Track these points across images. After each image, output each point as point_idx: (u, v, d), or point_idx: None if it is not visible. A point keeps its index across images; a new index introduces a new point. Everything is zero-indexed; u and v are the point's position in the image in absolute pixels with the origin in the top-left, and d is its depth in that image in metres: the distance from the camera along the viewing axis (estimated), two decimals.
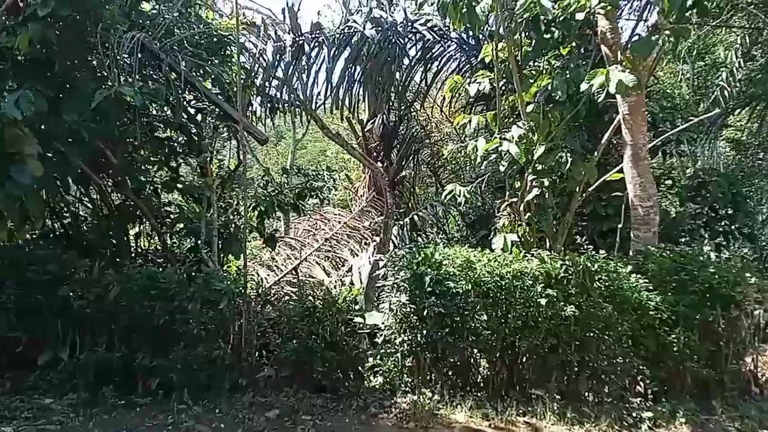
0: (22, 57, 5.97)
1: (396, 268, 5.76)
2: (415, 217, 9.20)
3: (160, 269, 6.67)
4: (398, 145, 10.57)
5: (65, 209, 7.84)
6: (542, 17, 5.73)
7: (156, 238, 8.00)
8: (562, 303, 5.18)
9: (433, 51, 9.18)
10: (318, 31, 8.45)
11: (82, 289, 5.57)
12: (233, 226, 7.86)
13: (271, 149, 14.01)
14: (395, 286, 5.72)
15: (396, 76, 9.26)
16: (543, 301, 5.14)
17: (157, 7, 7.21)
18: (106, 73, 6.39)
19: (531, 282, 5.22)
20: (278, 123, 10.62)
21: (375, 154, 10.07)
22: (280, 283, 8.69)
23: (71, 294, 5.55)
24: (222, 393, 5.55)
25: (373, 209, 9.89)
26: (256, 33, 8.18)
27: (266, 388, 5.71)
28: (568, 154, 5.86)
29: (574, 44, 6.24)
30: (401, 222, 9.07)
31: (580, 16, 5.59)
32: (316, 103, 8.93)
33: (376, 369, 5.92)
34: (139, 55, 6.29)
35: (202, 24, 7.35)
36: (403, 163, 10.56)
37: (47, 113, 5.63)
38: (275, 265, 9.39)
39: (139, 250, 7.94)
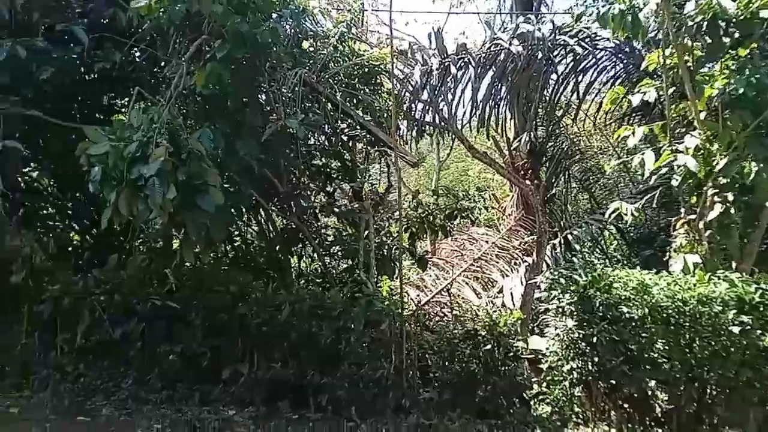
0: (198, 96, 6.58)
1: (559, 291, 5.51)
2: (569, 236, 8.79)
3: (320, 290, 7.00)
4: (547, 162, 10.24)
5: (236, 234, 8.58)
6: (720, 19, 5.26)
7: (315, 260, 8.47)
8: (758, 331, 4.62)
9: (584, 63, 8.78)
10: (464, 52, 8.47)
11: (258, 308, 5.98)
12: (386, 247, 8.08)
13: (414, 171, 14.27)
14: (560, 309, 5.46)
15: (544, 91, 8.99)
16: (735, 329, 4.61)
17: (314, 44, 7.69)
18: (270, 108, 6.91)
19: (720, 308, 4.71)
20: (420, 144, 10.76)
21: (522, 171, 9.82)
22: (430, 304, 8.72)
23: (248, 313, 5.97)
24: (386, 413, 5.65)
25: (522, 228, 9.62)
26: (404, 59, 8.40)
27: (429, 410, 5.71)
28: (755, 164, 5.25)
29: (754, 45, 5.62)
30: (554, 241, 8.72)
31: (765, 13, 5.04)
32: (462, 123, 8.94)
33: (541, 397, 5.69)
34: (301, 89, 6.73)
35: (355, 56, 7.71)
36: (553, 180, 10.20)
37: (224, 147, 6.20)
38: (424, 286, 9.45)
39: (300, 272, 8.44)
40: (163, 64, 6.61)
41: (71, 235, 7.95)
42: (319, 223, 8.48)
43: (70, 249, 7.74)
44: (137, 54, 6.95)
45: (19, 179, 7.83)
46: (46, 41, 6.09)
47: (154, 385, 5.99)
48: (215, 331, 6.02)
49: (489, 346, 5.63)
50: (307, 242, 8.11)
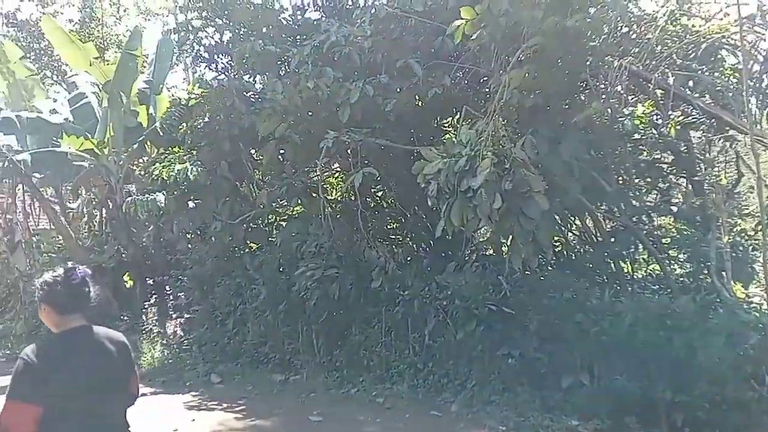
0: (519, 104, 6.60)
1: None
2: None
3: (658, 297, 6.33)
4: None
5: (555, 240, 8.43)
6: None
7: (651, 264, 7.75)
8: None
9: None
10: None
11: (596, 315, 5.72)
12: (741, 248, 6.90)
13: (765, 156, 11.75)
14: None
15: None
16: None
17: (638, 29, 7.08)
18: (591, 105, 6.57)
19: None
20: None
21: None
22: None
23: (585, 320, 5.75)
24: None
25: None
26: (751, 26, 7.10)
27: None
28: None
29: None
30: None
31: None
32: None
33: None
34: (627, 81, 6.26)
35: (688, 34, 6.83)
36: None
37: (546, 152, 6.15)
38: None
39: (632, 277, 7.80)
40: (485, 79, 6.92)
41: (413, 246, 8.91)
42: (652, 224, 7.74)
43: (410, 259, 8.69)
44: (460, 75, 7.42)
45: (368, 200, 9.18)
46: (387, 77, 6.99)
47: (496, 387, 6.23)
48: (552, 338, 5.98)
49: None
50: (639, 245, 7.47)
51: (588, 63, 6.33)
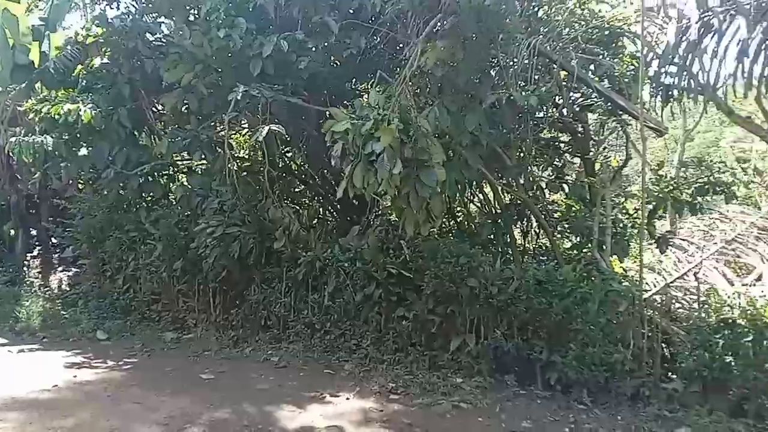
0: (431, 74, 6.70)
1: None
2: None
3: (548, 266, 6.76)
4: None
5: (458, 209, 8.73)
6: None
7: (540, 236, 8.25)
8: None
9: None
10: (730, 1, 7.29)
11: (486, 281, 6.02)
12: (621, 225, 7.50)
13: (651, 142, 12.68)
14: None
15: None
16: None
17: (548, 10, 7.34)
18: (502, 82, 6.79)
19: None
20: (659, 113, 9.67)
21: None
22: (670, 288, 7.90)
23: (477, 285, 6.03)
24: (622, 399, 5.32)
25: None
26: (652, 18, 7.56)
27: (671, 402, 5.20)
28: None
29: None
30: None
31: None
32: (722, 86, 7.74)
33: None
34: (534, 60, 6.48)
35: (594, 18, 7.17)
36: None
37: (452, 123, 6.30)
38: (662, 269, 8.59)
39: (524, 248, 8.28)
40: (401, 46, 6.93)
41: (319, 208, 8.89)
42: (545, 199, 8.22)
43: (316, 221, 8.67)
44: (377, 39, 7.36)
45: (276, 159, 8.99)
46: (303, 34, 6.82)
47: (389, 347, 6.44)
48: (445, 301, 6.20)
49: (750, 338, 4.91)
50: (532, 218, 7.93)
51: (500, 39, 6.47)
